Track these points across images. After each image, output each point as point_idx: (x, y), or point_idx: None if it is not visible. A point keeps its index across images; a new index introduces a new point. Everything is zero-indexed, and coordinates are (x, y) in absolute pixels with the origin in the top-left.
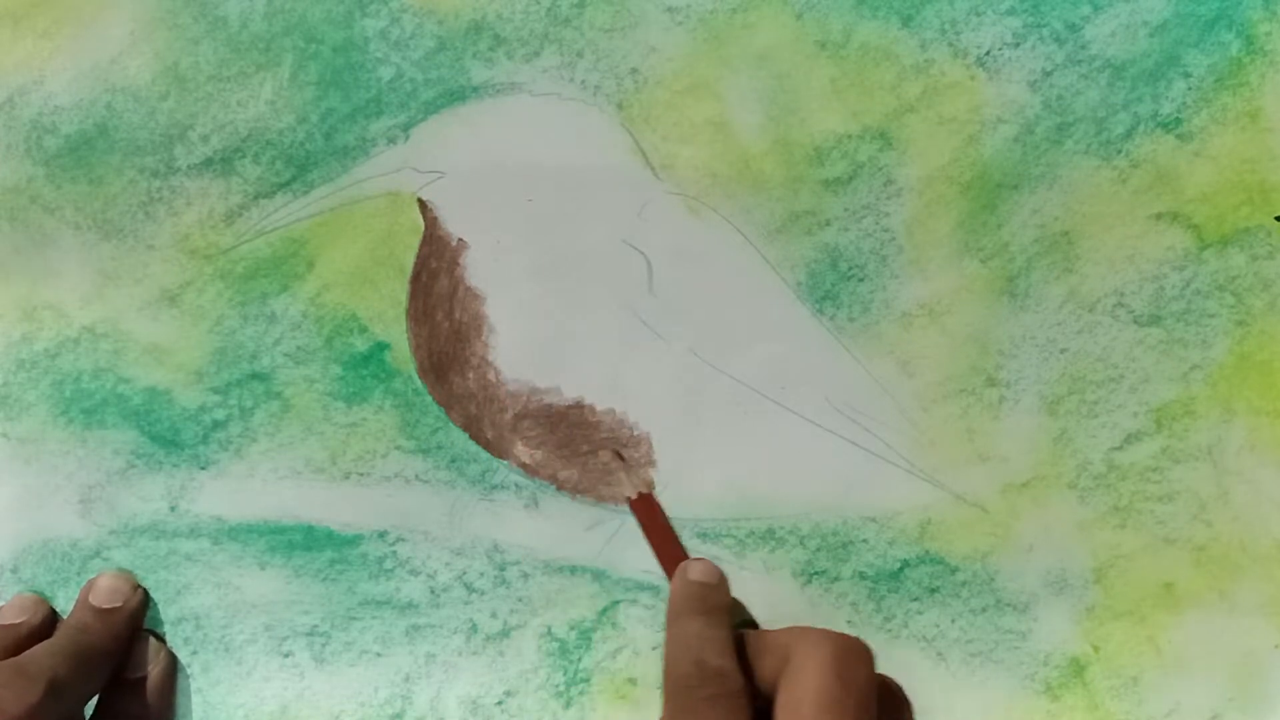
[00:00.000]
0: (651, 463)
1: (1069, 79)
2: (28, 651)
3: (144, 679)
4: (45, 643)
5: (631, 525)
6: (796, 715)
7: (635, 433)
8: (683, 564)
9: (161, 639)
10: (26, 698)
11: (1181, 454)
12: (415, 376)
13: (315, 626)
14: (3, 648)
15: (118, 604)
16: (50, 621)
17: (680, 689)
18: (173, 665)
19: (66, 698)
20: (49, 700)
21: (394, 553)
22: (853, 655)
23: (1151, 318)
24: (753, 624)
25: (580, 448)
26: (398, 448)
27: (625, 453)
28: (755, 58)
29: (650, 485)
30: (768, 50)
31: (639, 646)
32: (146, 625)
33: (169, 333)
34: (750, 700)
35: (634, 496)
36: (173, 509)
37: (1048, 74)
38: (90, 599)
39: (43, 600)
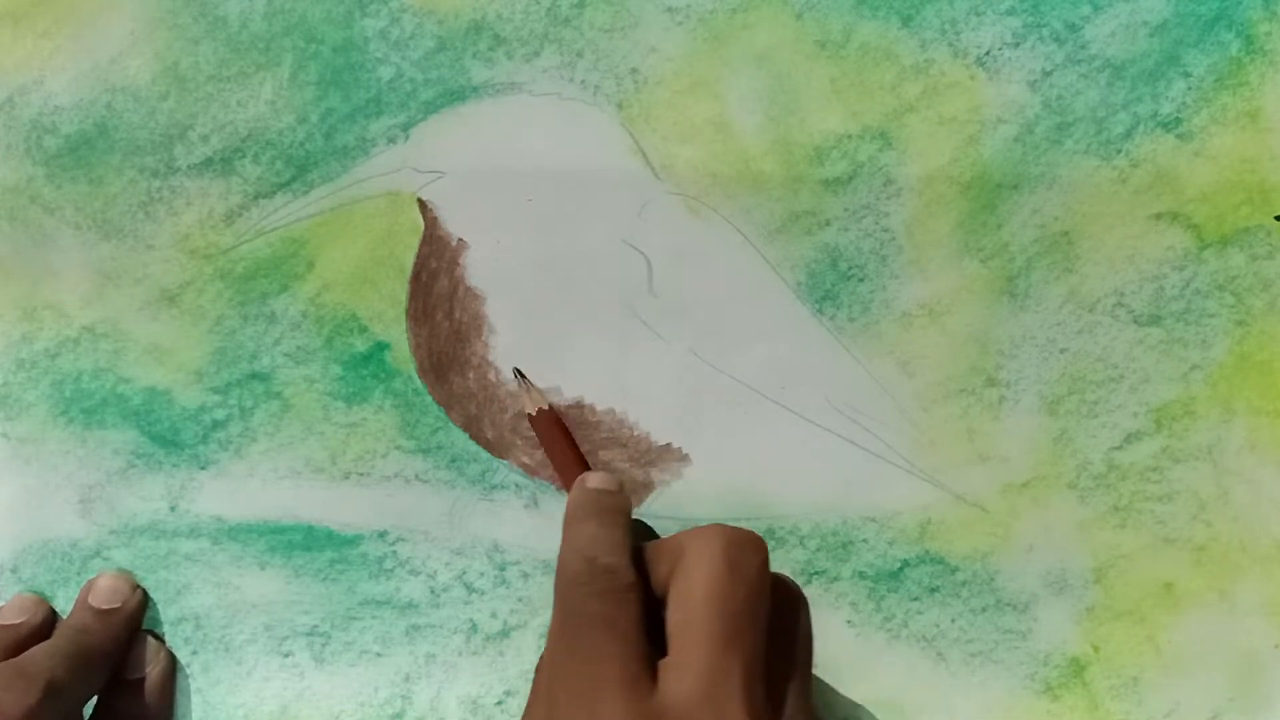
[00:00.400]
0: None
1: (1069, 79)
2: (26, 653)
3: (143, 680)
4: (44, 644)
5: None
6: (686, 605)
7: (635, 432)
8: (581, 474)
9: (161, 639)
10: (25, 699)
11: (1181, 454)
12: (415, 376)
13: (315, 626)
14: (2, 648)
15: (117, 604)
16: (50, 622)
17: (569, 586)
18: (172, 666)
19: (65, 699)
20: (48, 702)
21: (394, 553)
22: (744, 545)
23: (1151, 318)
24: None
25: (580, 447)
26: (398, 448)
27: (526, 374)
28: (755, 58)
29: (548, 402)
30: (768, 50)
31: None
32: (146, 625)
33: (169, 333)
34: (641, 596)
35: (533, 413)
36: (173, 509)
37: (1048, 74)
38: (90, 599)
39: (42, 600)
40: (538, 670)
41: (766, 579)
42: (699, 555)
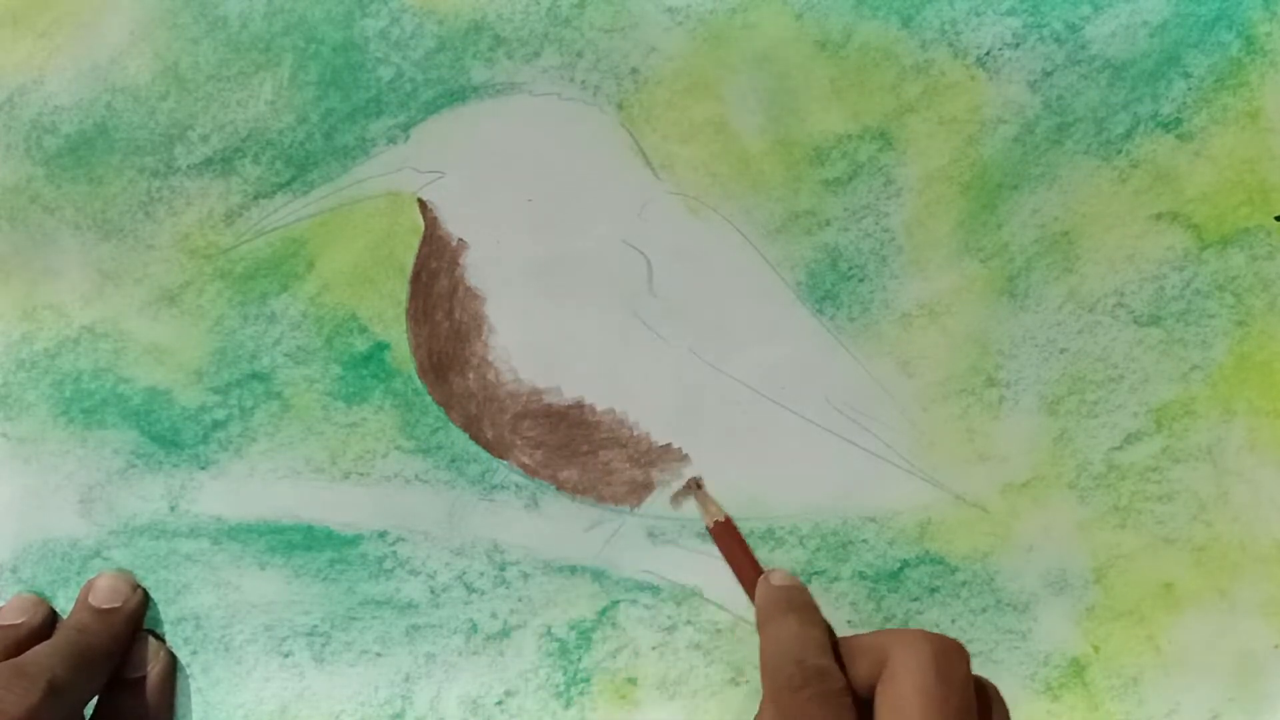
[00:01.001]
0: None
1: (1069, 79)
2: (27, 653)
3: (143, 679)
4: (44, 644)
5: (631, 525)
6: (900, 714)
7: (635, 432)
8: (764, 574)
9: (161, 639)
10: (27, 699)
11: (1181, 454)
12: (415, 376)
13: (315, 626)
14: (3, 648)
15: (117, 604)
16: (50, 622)
17: (783, 690)
18: (172, 665)
19: (66, 698)
20: (49, 701)
21: (394, 553)
22: (952, 654)
23: (1151, 318)
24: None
25: (580, 448)
26: (398, 448)
27: (699, 481)
28: (755, 58)
29: (725, 514)
30: (768, 50)
31: (639, 646)
32: (146, 625)
33: (169, 332)
34: (854, 699)
35: (711, 525)
36: (172, 509)
37: (1048, 74)
38: (90, 599)
39: (42, 601)
40: None
41: (972, 689)
42: (907, 663)
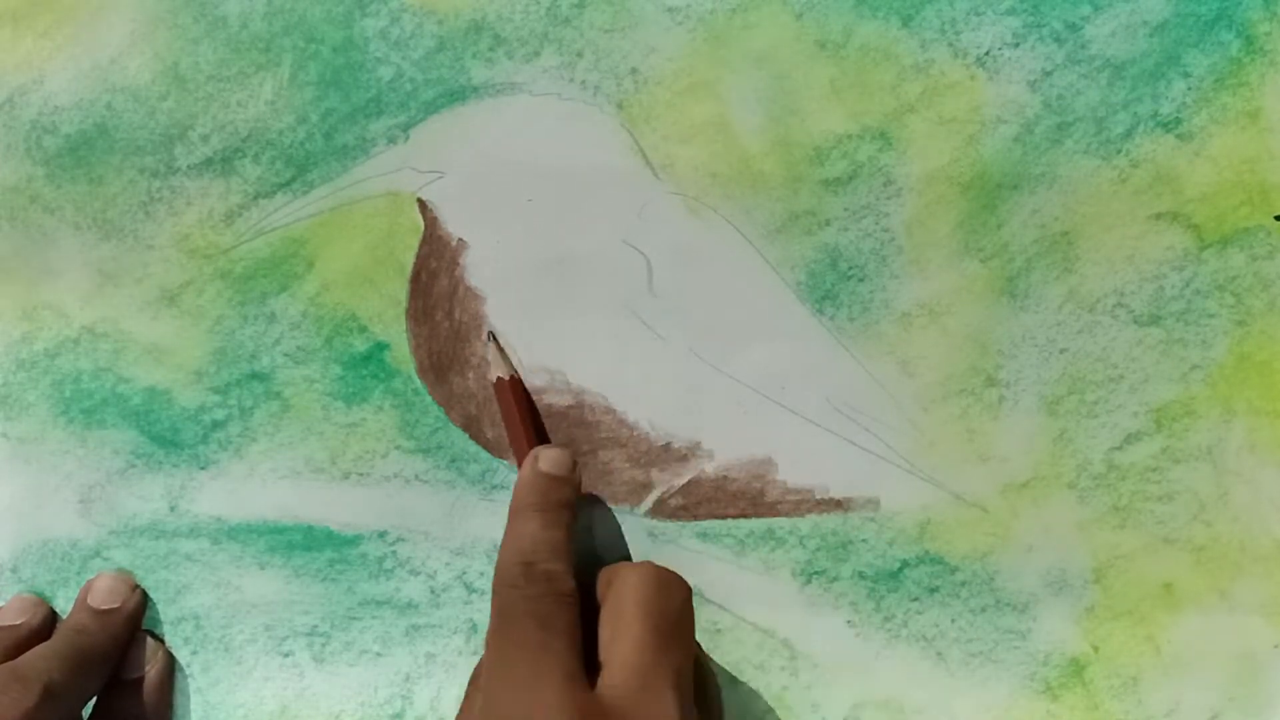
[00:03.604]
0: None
1: (1069, 79)
2: (24, 655)
3: (141, 679)
4: (42, 646)
5: (632, 524)
6: (619, 615)
7: (635, 432)
8: (536, 449)
9: (159, 639)
10: (23, 703)
11: (1181, 454)
12: (415, 376)
13: (315, 626)
14: (2, 650)
15: (116, 605)
16: (50, 623)
17: (505, 588)
18: (170, 665)
19: (64, 701)
20: (45, 705)
21: (394, 553)
22: (674, 581)
23: (1151, 318)
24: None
25: (580, 448)
26: (397, 448)
27: (501, 343)
28: (755, 58)
29: (515, 371)
30: (768, 50)
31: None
32: (146, 626)
33: (169, 332)
34: (578, 603)
35: (505, 378)
36: (172, 509)
37: (1048, 74)
38: (89, 600)
39: (42, 601)
40: (475, 670)
41: (691, 611)
42: (630, 577)
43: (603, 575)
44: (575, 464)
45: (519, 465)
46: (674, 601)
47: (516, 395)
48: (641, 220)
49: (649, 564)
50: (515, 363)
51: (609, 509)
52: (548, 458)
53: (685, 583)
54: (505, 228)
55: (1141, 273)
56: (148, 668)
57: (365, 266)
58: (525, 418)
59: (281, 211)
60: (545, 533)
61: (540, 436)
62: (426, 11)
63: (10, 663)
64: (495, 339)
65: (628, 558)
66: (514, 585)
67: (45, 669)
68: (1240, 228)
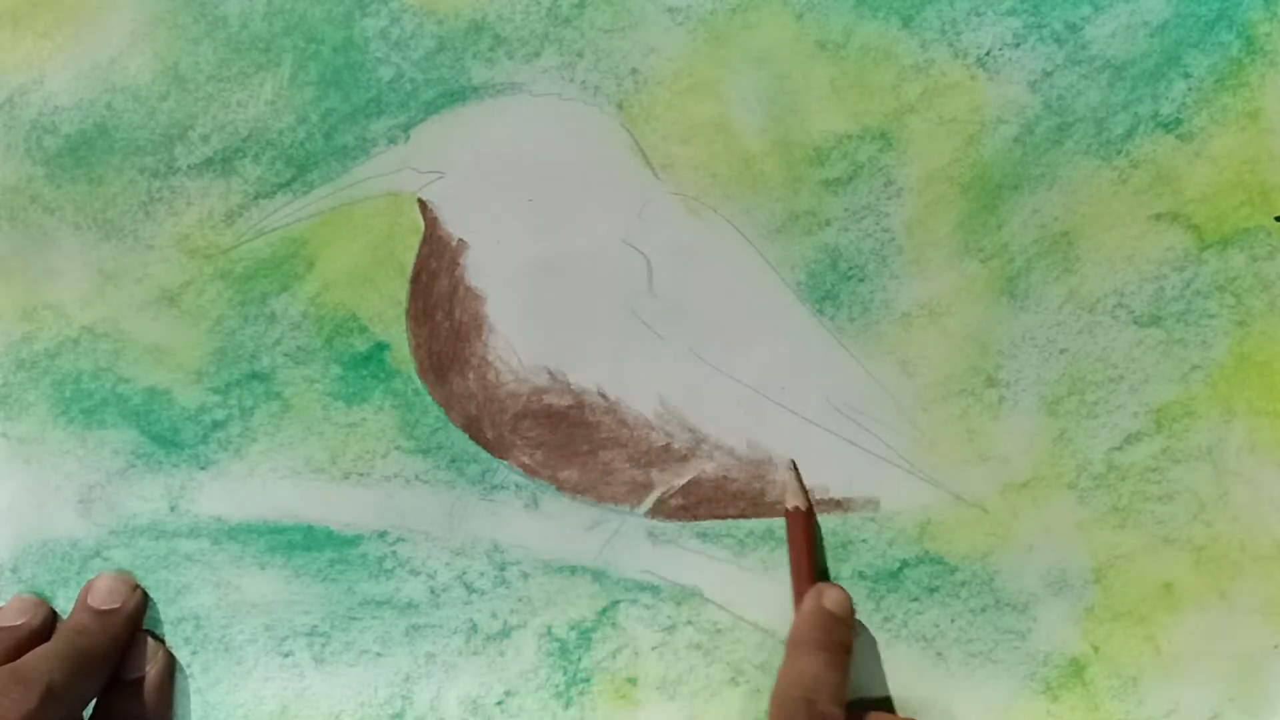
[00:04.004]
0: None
1: (1069, 79)
2: (24, 657)
3: (142, 679)
4: (42, 647)
5: (631, 525)
6: None
7: (635, 433)
8: (819, 585)
9: (160, 639)
10: (23, 705)
11: (1181, 454)
12: (415, 376)
13: (315, 626)
14: (3, 650)
15: (116, 605)
16: (50, 623)
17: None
18: (170, 665)
19: (64, 702)
20: (46, 706)
21: (394, 553)
22: None
23: (1151, 318)
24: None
25: (580, 448)
26: (398, 448)
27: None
28: (755, 58)
29: (809, 504)
30: (768, 50)
31: (639, 646)
32: (146, 626)
33: (169, 333)
34: None
35: (792, 509)
36: (172, 509)
37: (1048, 74)
38: (89, 600)
39: (42, 602)
40: None
41: None
42: None
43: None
44: (853, 608)
45: (796, 596)
46: None
47: (807, 529)
48: (642, 220)
49: None
50: (516, 368)
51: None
52: (833, 597)
53: None
54: (505, 228)
55: (1142, 273)
56: (148, 668)
57: (365, 267)
58: (811, 551)
59: (282, 212)
60: (828, 674)
61: (814, 572)
62: (427, 11)
63: (11, 664)
64: (796, 469)
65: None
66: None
67: (46, 670)
68: (1240, 228)
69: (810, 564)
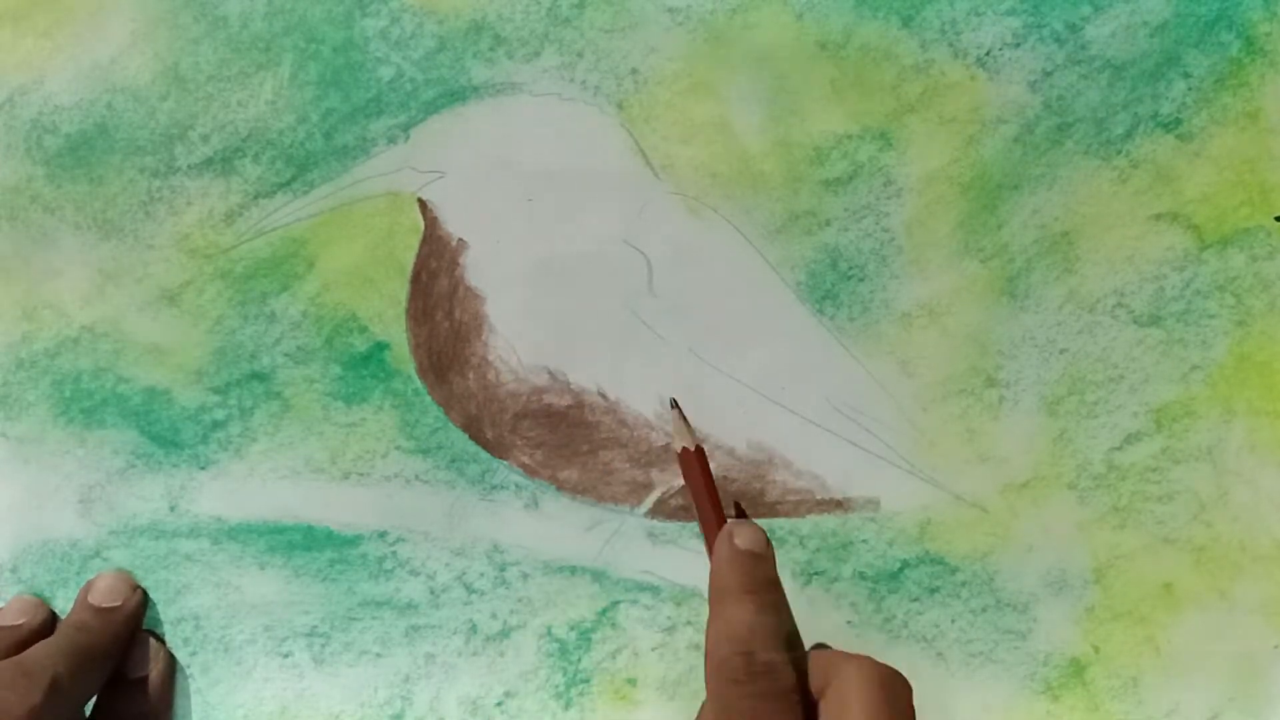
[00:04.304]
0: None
1: (1069, 79)
2: (27, 651)
3: (145, 679)
4: (45, 642)
5: (631, 525)
6: (842, 717)
7: (635, 433)
8: (727, 526)
9: (160, 639)
10: (29, 698)
11: (1181, 454)
12: (415, 376)
13: (315, 627)
14: (4, 650)
15: (117, 603)
16: (50, 623)
17: (726, 682)
18: (171, 665)
19: (69, 697)
20: (51, 700)
21: (394, 553)
22: (900, 684)
23: (1151, 318)
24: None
25: (580, 448)
26: (397, 448)
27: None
28: (755, 58)
29: (697, 442)
30: (768, 51)
31: (639, 647)
32: (145, 626)
33: (169, 332)
34: (801, 700)
35: (690, 448)
36: (172, 509)
37: (1048, 74)
38: (89, 599)
39: (43, 603)
40: None
41: (914, 714)
42: (856, 684)
43: (815, 663)
44: (769, 542)
45: (706, 539)
46: (900, 705)
47: (703, 466)
48: (642, 220)
49: (870, 662)
50: (516, 368)
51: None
52: (745, 535)
53: (908, 684)
54: (505, 228)
55: (1142, 273)
56: (151, 668)
57: (365, 266)
58: (713, 490)
59: (282, 211)
60: (761, 617)
61: (723, 512)
62: (427, 11)
63: (15, 658)
64: (678, 407)
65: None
66: (735, 680)
67: (51, 664)
68: (1240, 228)
69: (715, 504)
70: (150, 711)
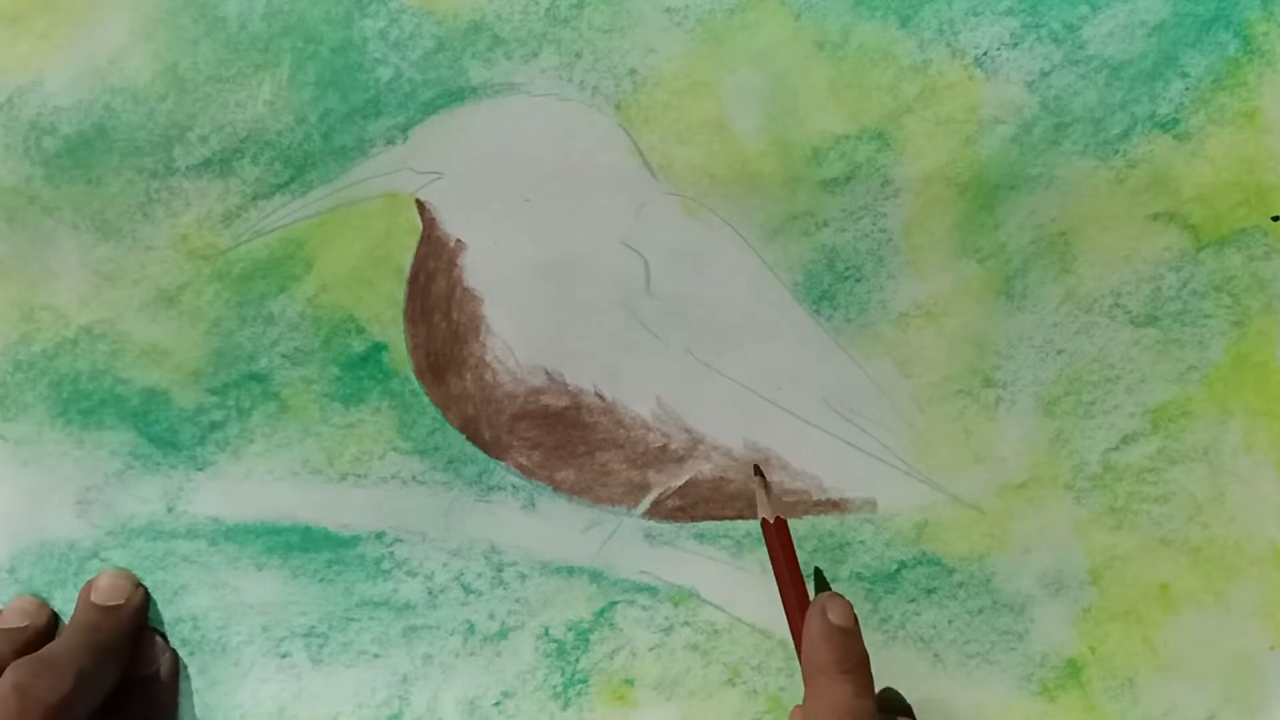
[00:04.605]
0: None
1: (1067, 79)
2: (48, 647)
3: (152, 675)
4: (62, 638)
5: (628, 526)
6: None
7: (632, 433)
8: (820, 600)
9: (164, 636)
10: (59, 688)
11: (1178, 455)
12: (413, 377)
13: (313, 627)
14: (11, 651)
15: (121, 601)
16: (53, 625)
17: None
18: (176, 662)
19: (94, 687)
20: (80, 690)
21: (391, 554)
22: None
23: (1148, 318)
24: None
25: (577, 449)
26: (395, 449)
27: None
28: (753, 58)
29: (781, 514)
30: (766, 51)
31: (636, 647)
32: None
33: (167, 334)
34: None
35: (770, 519)
36: (170, 510)
37: (1045, 74)
38: (92, 598)
39: (44, 604)
40: None
41: None
42: None
43: None
44: (856, 617)
45: (788, 606)
46: None
47: (784, 539)
48: (639, 221)
49: None
50: (513, 369)
51: None
52: (837, 610)
53: None
54: (503, 228)
55: (1138, 273)
56: (158, 663)
57: (363, 267)
58: (794, 561)
59: (280, 212)
60: (859, 701)
61: (802, 579)
62: (425, 12)
63: (37, 653)
64: (762, 475)
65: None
66: None
67: (74, 657)
68: (1237, 228)
69: (796, 571)
70: (161, 706)
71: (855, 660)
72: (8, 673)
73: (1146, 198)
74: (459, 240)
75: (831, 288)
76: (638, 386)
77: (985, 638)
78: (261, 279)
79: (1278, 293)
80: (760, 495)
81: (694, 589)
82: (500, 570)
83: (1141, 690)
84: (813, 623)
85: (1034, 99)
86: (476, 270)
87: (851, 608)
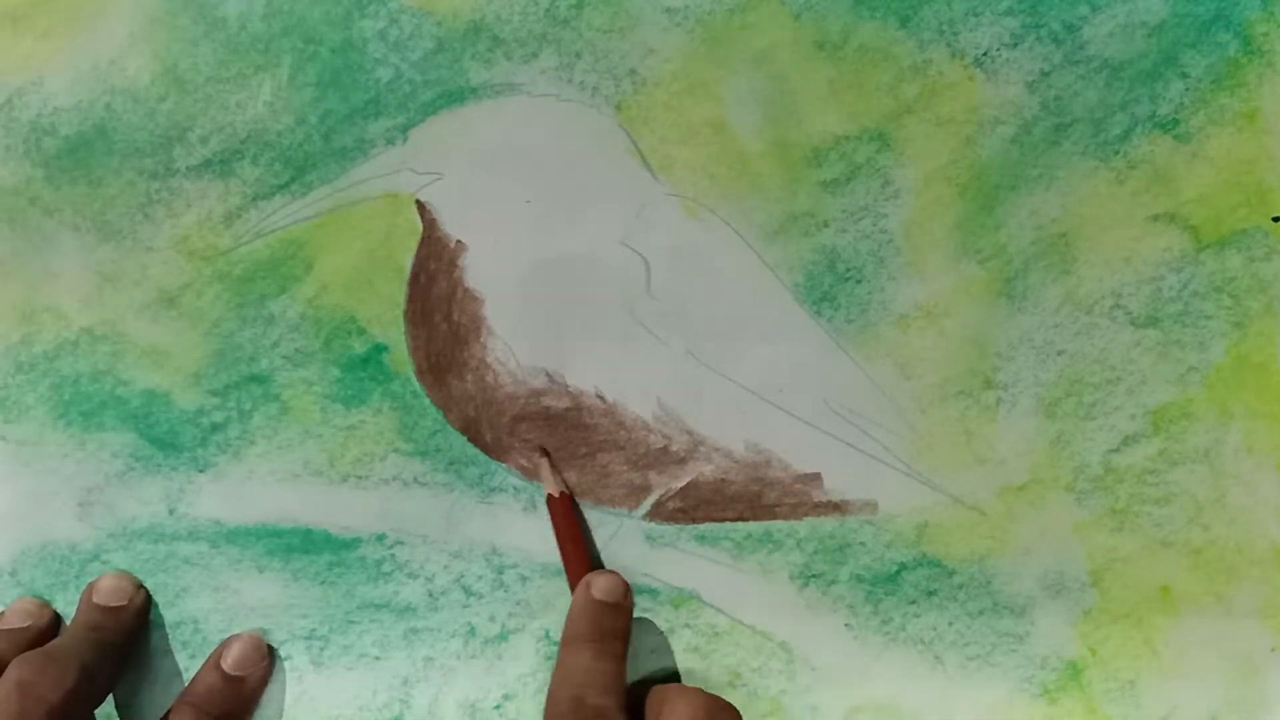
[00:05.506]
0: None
1: (1067, 79)
2: (52, 643)
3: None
4: (65, 636)
5: (629, 528)
6: None
7: (633, 435)
8: (589, 575)
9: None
10: (63, 683)
11: (1179, 456)
12: (413, 379)
13: (313, 630)
14: (14, 652)
15: (123, 602)
16: (55, 625)
17: None
18: (271, 666)
19: (97, 684)
20: (83, 685)
21: (392, 556)
22: (724, 712)
23: (1149, 319)
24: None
25: (578, 450)
26: (396, 450)
27: (552, 453)
28: (753, 59)
29: (569, 488)
30: (766, 51)
31: (635, 649)
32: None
33: (167, 335)
34: None
35: (555, 494)
36: (171, 512)
37: (1045, 74)
38: (95, 599)
39: (46, 604)
40: None
41: None
42: (681, 706)
43: (652, 697)
44: (628, 590)
45: (571, 583)
46: None
47: (568, 513)
48: (640, 222)
49: (699, 693)
50: (514, 370)
51: (652, 622)
52: (601, 585)
53: (737, 712)
54: (504, 229)
55: (1139, 274)
56: (253, 667)
57: (364, 268)
58: (578, 537)
59: (280, 213)
60: (597, 664)
61: (588, 559)
62: (425, 12)
63: (40, 649)
64: (548, 455)
65: (674, 671)
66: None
67: (77, 653)
68: (1238, 229)
69: (580, 551)
70: (245, 707)
71: (605, 630)
72: (10, 669)
73: (1147, 198)
74: (459, 241)
75: (832, 289)
76: (638, 388)
77: (986, 640)
78: (262, 280)
79: (1278, 294)
80: (545, 471)
81: (695, 591)
82: (501, 572)
83: (1143, 692)
84: (577, 596)
85: (1034, 99)
86: (477, 271)
87: (621, 584)
